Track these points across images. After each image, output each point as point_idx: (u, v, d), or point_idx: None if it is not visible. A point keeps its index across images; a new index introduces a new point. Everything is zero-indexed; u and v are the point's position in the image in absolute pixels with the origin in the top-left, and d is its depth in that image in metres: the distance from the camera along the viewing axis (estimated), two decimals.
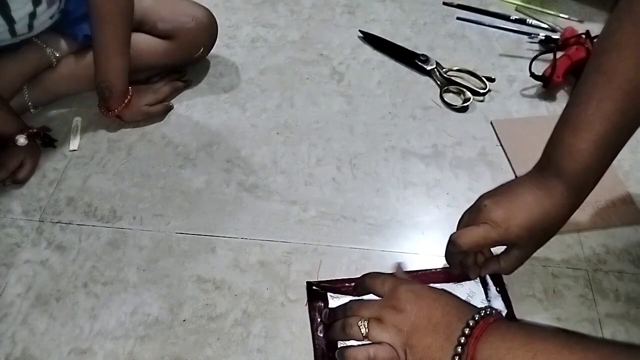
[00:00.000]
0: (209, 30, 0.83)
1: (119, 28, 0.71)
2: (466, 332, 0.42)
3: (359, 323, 0.47)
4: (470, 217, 0.53)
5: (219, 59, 0.89)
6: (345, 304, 0.51)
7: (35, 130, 0.73)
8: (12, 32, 0.70)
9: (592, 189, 0.50)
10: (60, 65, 0.79)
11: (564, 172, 0.49)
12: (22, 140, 0.70)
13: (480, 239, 0.50)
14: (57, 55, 0.78)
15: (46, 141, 0.75)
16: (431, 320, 0.44)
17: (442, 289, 0.48)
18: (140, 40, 0.79)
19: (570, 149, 0.48)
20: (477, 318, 0.43)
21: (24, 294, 0.60)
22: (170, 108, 0.81)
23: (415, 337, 0.44)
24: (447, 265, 0.61)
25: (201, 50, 0.83)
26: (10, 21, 0.69)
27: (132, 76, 0.76)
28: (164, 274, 0.62)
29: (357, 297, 0.54)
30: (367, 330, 0.46)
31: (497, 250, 0.54)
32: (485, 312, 0.44)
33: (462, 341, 0.42)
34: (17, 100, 0.78)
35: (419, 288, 0.48)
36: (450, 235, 0.53)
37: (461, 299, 0.47)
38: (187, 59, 0.85)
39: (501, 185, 0.53)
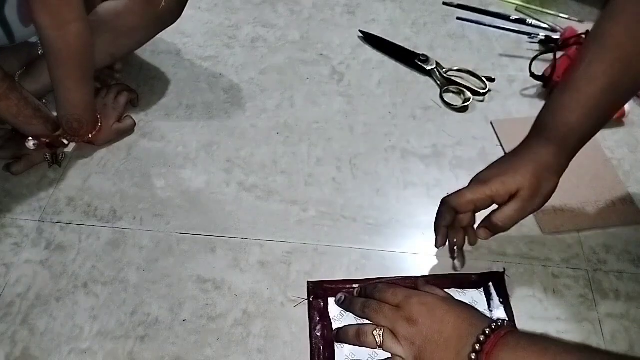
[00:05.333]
0: None
1: (76, 66, 0.66)
2: (477, 347, 0.42)
3: (375, 332, 0.47)
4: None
5: (219, 59, 0.89)
6: (363, 300, 0.51)
7: (47, 141, 0.70)
8: (12, 41, 0.70)
9: (578, 149, 0.51)
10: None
11: (549, 128, 0.50)
12: (30, 144, 0.69)
13: (472, 196, 0.52)
14: None
15: (50, 159, 0.72)
16: (443, 334, 0.44)
17: (453, 298, 0.48)
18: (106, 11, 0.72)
19: (557, 106, 0.50)
20: (487, 332, 0.43)
21: (24, 294, 0.60)
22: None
23: (427, 352, 0.44)
24: (451, 271, 0.61)
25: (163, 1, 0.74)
26: (11, 39, 0.69)
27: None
28: (164, 274, 0.62)
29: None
30: (382, 341, 0.46)
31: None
32: (497, 324, 0.44)
33: (473, 357, 0.42)
34: None
35: (430, 300, 0.47)
36: (443, 198, 0.55)
37: (474, 309, 0.47)
38: (154, 16, 0.75)
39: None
